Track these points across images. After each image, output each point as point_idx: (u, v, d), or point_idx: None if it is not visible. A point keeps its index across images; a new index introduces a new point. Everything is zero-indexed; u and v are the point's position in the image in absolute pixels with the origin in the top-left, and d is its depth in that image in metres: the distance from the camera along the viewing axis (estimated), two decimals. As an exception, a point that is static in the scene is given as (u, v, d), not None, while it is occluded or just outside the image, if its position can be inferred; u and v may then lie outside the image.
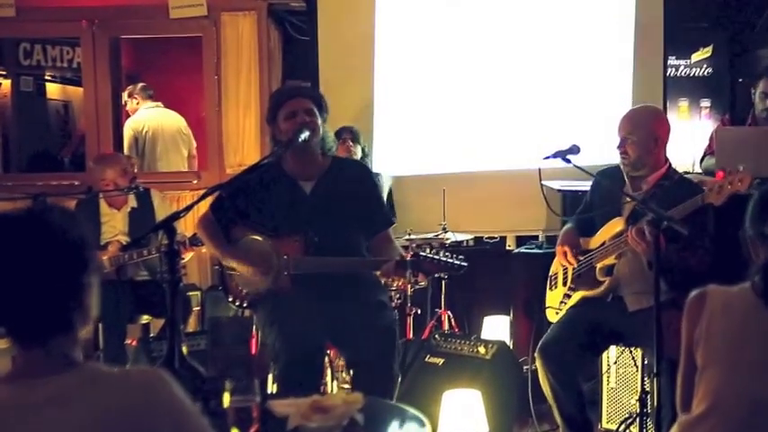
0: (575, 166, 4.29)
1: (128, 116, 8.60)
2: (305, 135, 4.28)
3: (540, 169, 4.38)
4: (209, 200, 4.40)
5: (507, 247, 7.57)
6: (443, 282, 6.45)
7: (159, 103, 8.65)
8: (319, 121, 4.44)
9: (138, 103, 8.55)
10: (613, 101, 7.41)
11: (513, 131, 7.55)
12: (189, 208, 3.70)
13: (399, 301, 6.08)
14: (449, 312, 6.50)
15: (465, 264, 4.30)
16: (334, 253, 4.34)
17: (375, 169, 6.99)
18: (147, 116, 8.52)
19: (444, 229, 6.47)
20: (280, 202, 4.46)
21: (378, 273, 4.52)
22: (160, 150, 8.51)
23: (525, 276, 6.39)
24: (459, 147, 7.60)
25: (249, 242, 4.49)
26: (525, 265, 6.48)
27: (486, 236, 7.62)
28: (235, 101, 7.65)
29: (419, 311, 6.25)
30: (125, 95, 8.55)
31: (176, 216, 3.51)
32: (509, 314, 6.62)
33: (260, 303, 4.46)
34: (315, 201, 4.47)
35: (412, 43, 7.61)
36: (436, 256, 4.23)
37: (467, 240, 6.97)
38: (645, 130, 4.65)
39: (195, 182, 7.71)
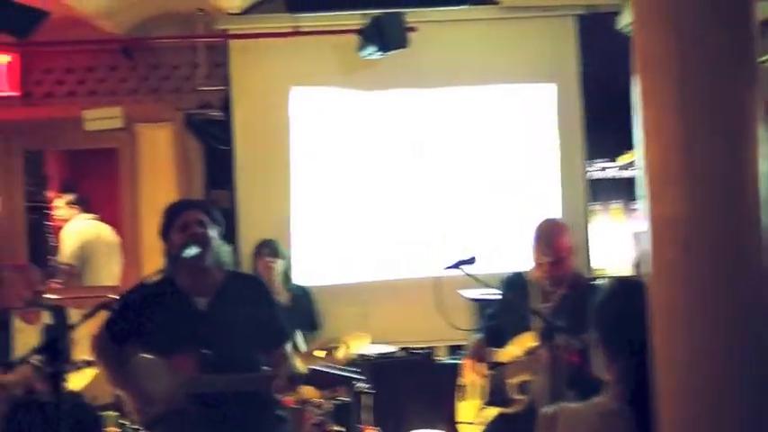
0: (467, 274, 4.39)
1: (58, 226, 8.59)
2: (193, 251, 4.32)
3: (440, 278, 4.45)
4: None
5: (436, 357, 7.64)
6: (367, 396, 6.41)
7: (95, 215, 8.58)
8: (212, 234, 4.49)
9: (74, 214, 8.48)
10: (540, 205, 7.58)
11: (436, 239, 7.66)
12: (73, 327, 3.69)
13: (321, 419, 6.02)
14: (375, 429, 6.40)
15: (360, 377, 4.32)
16: (229, 370, 4.27)
17: (296, 281, 7.05)
18: (86, 227, 8.43)
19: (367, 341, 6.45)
20: (173, 319, 4.38)
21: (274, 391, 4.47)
22: (101, 263, 8.42)
23: (455, 387, 6.39)
24: (381, 255, 7.76)
25: (141, 361, 4.39)
26: (455, 376, 6.48)
27: (415, 346, 7.66)
28: (153, 213, 7.67)
29: (343, 430, 6.16)
30: (59, 204, 8.55)
31: (59, 338, 3.51)
32: (439, 428, 6.68)
33: (157, 425, 4.32)
34: (209, 317, 4.41)
35: (329, 152, 7.84)
36: (329, 370, 4.25)
37: (395, 351, 6.96)
38: (572, 245, 4.81)
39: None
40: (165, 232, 4.49)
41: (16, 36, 5.55)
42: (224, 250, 4.62)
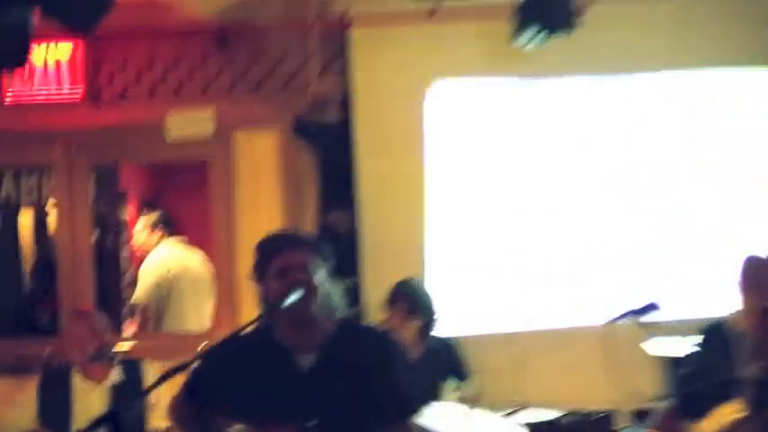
0: (647, 324, 4.16)
1: (138, 255, 8.62)
2: (295, 299, 4.15)
3: (612, 327, 4.24)
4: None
5: (615, 428, 7.38)
6: None
7: (182, 239, 8.66)
8: (319, 278, 4.34)
9: (157, 239, 8.52)
10: (751, 228, 7.45)
11: (609, 275, 7.57)
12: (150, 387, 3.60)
13: None
14: None
15: None
16: None
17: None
18: (172, 256, 8.48)
19: (519, 405, 6.36)
20: (269, 381, 4.25)
21: None
22: (187, 302, 8.40)
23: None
24: (538, 296, 7.61)
25: None
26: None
27: (586, 412, 7.35)
28: (252, 241, 7.59)
29: None
30: (139, 227, 8.62)
31: (131, 402, 3.42)
32: None
33: None
34: (314, 378, 4.25)
35: (475, 162, 7.74)
36: None
37: (559, 417, 6.85)
38: None
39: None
40: (260, 276, 4.35)
41: (77, 31, 5.51)
42: (335, 294, 4.44)
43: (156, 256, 8.48)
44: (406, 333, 6.60)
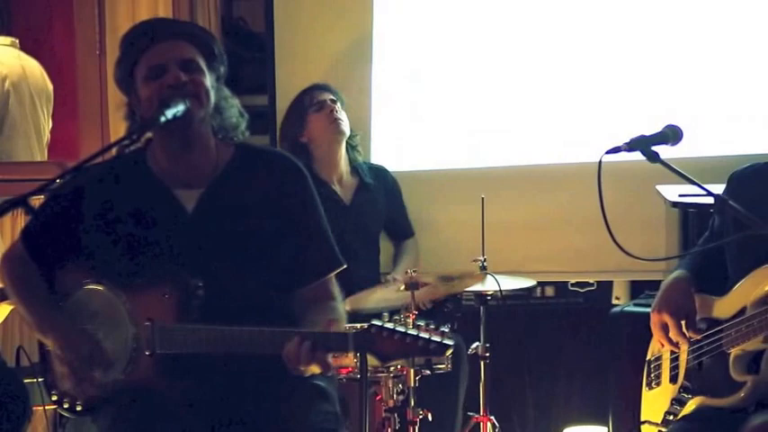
0: (663, 164, 4.10)
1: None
2: (175, 110, 4.03)
3: (600, 164, 4.15)
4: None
5: (614, 301, 7.50)
6: (483, 362, 6.31)
7: (14, 40, 8.16)
8: (210, 82, 4.20)
9: None
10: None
11: (599, 104, 7.36)
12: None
13: (401, 398, 5.85)
14: (492, 419, 6.38)
15: (449, 344, 3.95)
16: (231, 314, 4.06)
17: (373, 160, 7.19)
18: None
19: (483, 267, 6.29)
20: (139, 226, 4.25)
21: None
22: (19, 122, 8.01)
23: (640, 355, 6.15)
24: (503, 128, 7.50)
25: (84, 297, 4.26)
26: (641, 335, 6.21)
27: (575, 281, 7.61)
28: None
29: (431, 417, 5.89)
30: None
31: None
32: (607, 424, 6.64)
33: (105, 408, 4.23)
34: (201, 223, 4.26)
35: None
36: (401, 330, 3.86)
37: (538, 287, 7.19)
38: None
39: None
40: (127, 76, 4.24)
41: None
42: (232, 109, 4.36)
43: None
44: (334, 157, 6.78)
